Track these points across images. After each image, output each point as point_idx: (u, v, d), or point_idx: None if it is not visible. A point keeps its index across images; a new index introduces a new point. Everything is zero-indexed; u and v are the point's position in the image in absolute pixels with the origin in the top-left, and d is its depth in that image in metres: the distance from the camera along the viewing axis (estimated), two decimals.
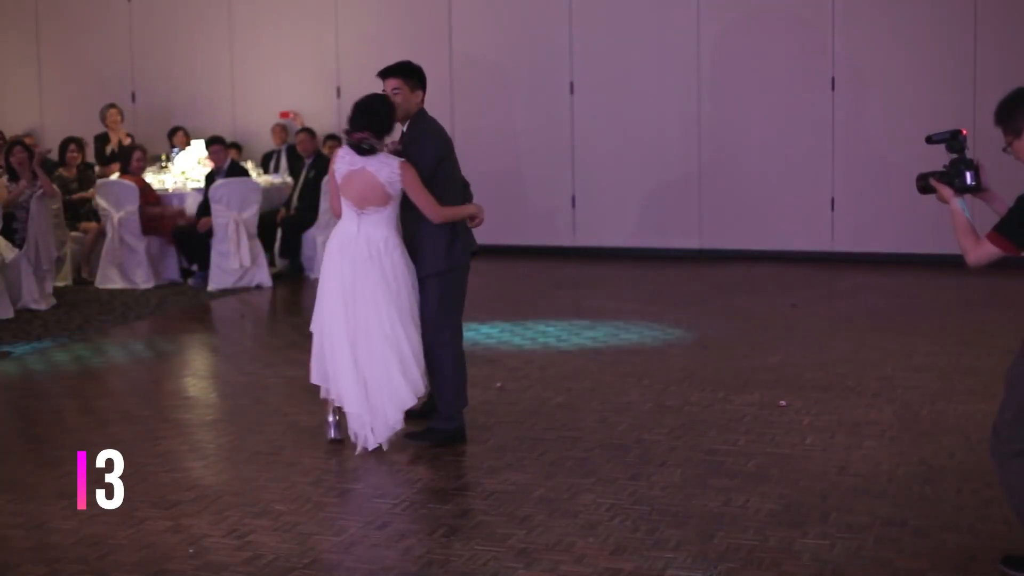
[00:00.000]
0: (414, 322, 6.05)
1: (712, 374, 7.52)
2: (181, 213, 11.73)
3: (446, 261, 6.11)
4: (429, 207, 5.97)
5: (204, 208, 11.42)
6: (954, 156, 4.70)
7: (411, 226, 6.16)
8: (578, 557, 4.67)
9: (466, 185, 6.38)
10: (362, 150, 5.97)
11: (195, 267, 11.53)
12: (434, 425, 6.20)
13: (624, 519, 5.06)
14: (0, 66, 14.90)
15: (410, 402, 6.01)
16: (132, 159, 11.61)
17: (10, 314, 9.73)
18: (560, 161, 12.62)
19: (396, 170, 5.94)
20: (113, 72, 14.31)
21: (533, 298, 10.18)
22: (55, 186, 11.03)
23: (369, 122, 5.98)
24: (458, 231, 6.14)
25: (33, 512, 5.33)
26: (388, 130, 6.04)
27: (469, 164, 6.67)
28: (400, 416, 6.00)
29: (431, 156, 6.07)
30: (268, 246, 11.80)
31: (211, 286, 11.15)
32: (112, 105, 13.18)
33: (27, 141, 11.84)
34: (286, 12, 13.70)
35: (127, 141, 12.85)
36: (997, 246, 4.44)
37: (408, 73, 6.18)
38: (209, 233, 11.21)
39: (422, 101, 6.20)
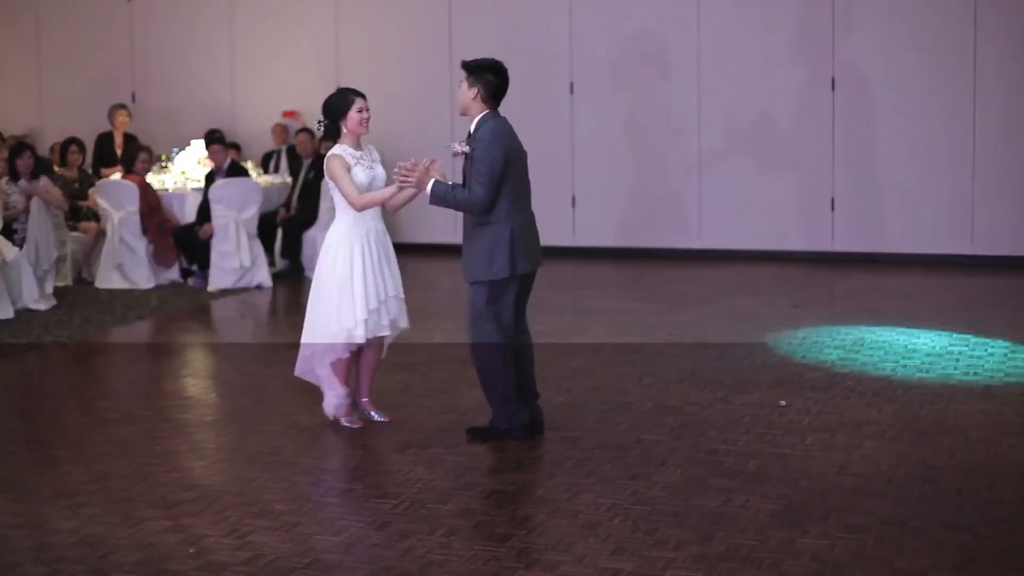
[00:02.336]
0: (340, 302, 6.33)
1: (712, 374, 7.52)
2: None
3: (480, 273, 6.12)
4: (347, 196, 6.33)
5: (204, 209, 11.42)
6: None
7: (465, 230, 6.22)
8: (578, 557, 4.67)
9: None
10: (319, 129, 6.56)
11: (195, 267, 11.53)
12: (490, 423, 6.30)
13: (624, 519, 5.06)
14: (0, 66, 14.90)
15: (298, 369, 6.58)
16: (138, 160, 11.60)
17: (10, 314, 9.73)
18: (560, 161, 12.62)
19: (325, 162, 6.44)
20: (113, 72, 14.31)
21: (532, 298, 10.14)
22: (58, 189, 11.05)
23: (323, 105, 6.53)
24: (513, 244, 6.10)
25: (33, 512, 5.32)
26: (335, 115, 6.44)
27: None
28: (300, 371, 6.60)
29: (495, 158, 6.03)
30: (268, 246, 11.80)
31: (211, 286, 11.15)
32: (122, 106, 13.14)
33: (27, 141, 11.84)
34: (286, 12, 13.70)
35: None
36: None
37: (467, 68, 6.16)
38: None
39: (477, 98, 6.10)
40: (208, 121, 13.43)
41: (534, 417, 6.31)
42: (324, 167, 6.44)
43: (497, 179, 6.02)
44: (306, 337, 6.49)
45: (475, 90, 6.12)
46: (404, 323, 6.59)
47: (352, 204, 6.32)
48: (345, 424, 6.48)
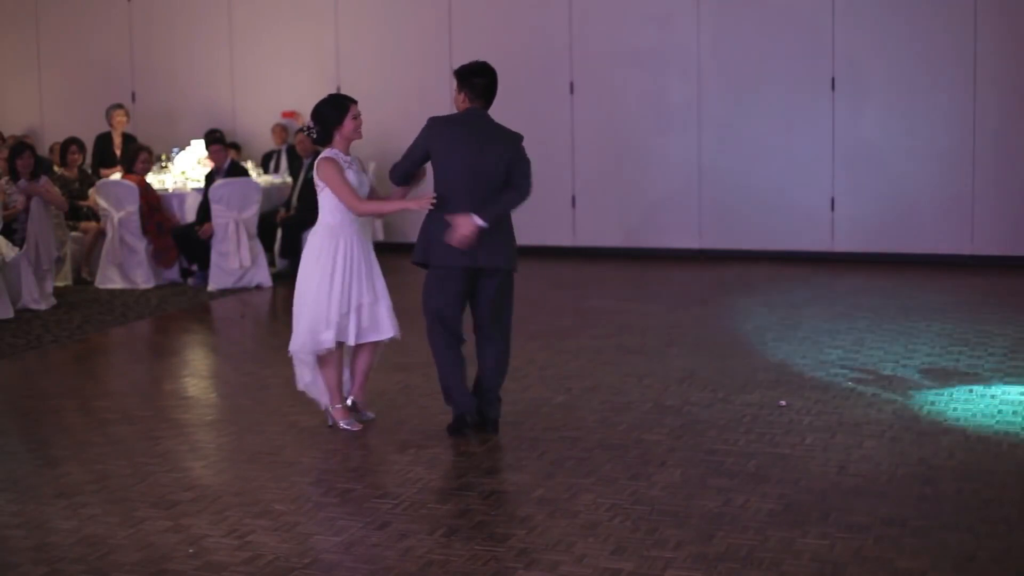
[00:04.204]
0: (315, 304, 6.34)
1: (712, 374, 7.52)
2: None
3: (415, 255, 6.35)
4: (347, 201, 6.30)
5: (204, 209, 11.42)
6: None
7: None
8: (578, 557, 4.67)
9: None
10: (308, 133, 6.49)
11: (195, 267, 11.53)
12: None
13: (624, 519, 5.06)
14: (0, 66, 14.90)
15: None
16: (138, 160, 11.60)
17: (10, 314, 9.73)
18: (560, 161, 12.62)
19: (317, 164, 6.41)
20: (113, 72, 14.31)
21: (533, 297, 10.17)
22: (58, 189, 11.05)
23: (313, 112, 6.47)
24: (434, 233, 6.21)
25: (33, 512, 5.33)
26: (329, 122, 6.38)
27: None
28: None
29: (413, 143, 6.31)
30: (268, 246, 11.81)
31: (211, 286, 11.15)
32: (119, 106, 13.16)
33: (27, 141, 11.84)
34: (286, 12, 13.70)
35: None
36: None
37: (456, 75, 6.40)
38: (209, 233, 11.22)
39: (465, 100, 6.32)
40: (208, 121, 13.43)
41: (484, 415, 6.37)
42: (315, 170, 6.39)
43: (408, 163, 6.31)
44: (292, 344, 6.48)
45: (463, 93, 6.34)
46: (389, 332, 6.49)
47: (353, 208, 6.30)
48: (344, 428, 6.47)
